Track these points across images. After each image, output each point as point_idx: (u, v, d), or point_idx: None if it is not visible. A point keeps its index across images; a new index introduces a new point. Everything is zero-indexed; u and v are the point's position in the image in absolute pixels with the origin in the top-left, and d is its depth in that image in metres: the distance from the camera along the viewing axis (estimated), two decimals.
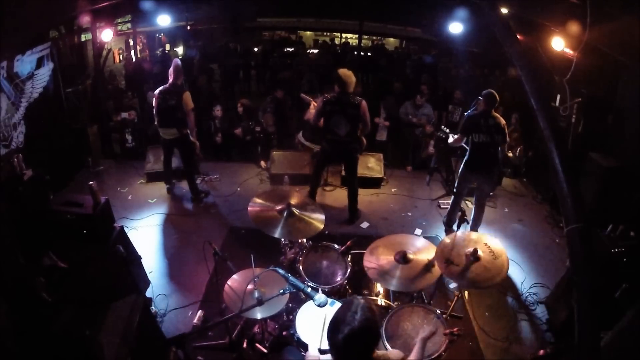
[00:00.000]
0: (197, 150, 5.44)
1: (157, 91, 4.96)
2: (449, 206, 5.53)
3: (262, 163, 6.38)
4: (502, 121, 4.42)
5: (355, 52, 10.66)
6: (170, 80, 4.89)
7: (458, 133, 4.66)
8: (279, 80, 7.82)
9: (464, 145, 4.75)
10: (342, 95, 4.50)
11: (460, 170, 4.76)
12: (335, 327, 1.63)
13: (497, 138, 4.37)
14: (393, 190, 6.07)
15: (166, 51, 10.71)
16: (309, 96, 5.77)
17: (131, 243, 3.87)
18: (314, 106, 5.43)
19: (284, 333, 3.09)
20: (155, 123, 5.08)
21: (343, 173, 5.67)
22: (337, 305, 2.79)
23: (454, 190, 4.90)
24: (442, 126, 5.44)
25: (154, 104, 4.99)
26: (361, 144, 4.83)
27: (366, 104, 4.55)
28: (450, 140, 4.81)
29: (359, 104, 4.49)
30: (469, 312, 3.87)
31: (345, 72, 4.46)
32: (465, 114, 5.03)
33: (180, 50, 11.06)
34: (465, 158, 4.63)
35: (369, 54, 11.87)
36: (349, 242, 3.38)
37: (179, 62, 4.99)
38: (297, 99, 7.19)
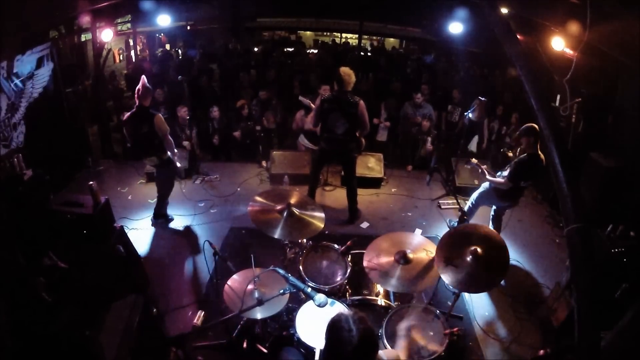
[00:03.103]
0: (178, 173, 5.24)
1: (125, 117, 4.52)
2: (449, 206, 5.54)
3: (263, 163, 6.38)
4: (544, 160, 3.94)
5: (356, 52, 10.65)
6: (137, 102, 4.37)
7: (507, 180, 4.11)
8: (265, 82, 7.78)
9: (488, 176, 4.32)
10: (340, 94, 4.49)
11: (487, 189, 4.43)
12: (337, 351, 1.62)
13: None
14: (393, 190, 6.08)
15: (167, 50, 10.69)
16: (308, 98, 5.77)
17: (131, 243, 3.87)
18: (302, 115, 5.46)
19: (284, 333, 3.09)
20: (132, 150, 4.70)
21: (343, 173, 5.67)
22: (338, 305, 2.79)
23: (473, 202, 4.60)
24: (473, 160, 4.89)
25: (125, 132, 4.64)
26: (359, 144, 4.81)
27: (364, 105, 4.54)
28: (489, 177, 4.31)
29: (357, 103, 4.48)
30: (469, 312, 3.87)
31: (345, 71, 4.46)
32: (516, 158, 4.30)
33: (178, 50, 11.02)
34: (502, 192, 4.26)
35: (368, 54, 11.87)
36: (349, 242, 3.38)
37: (146, 80, 4.39)
38: (288, 100, 7.19)
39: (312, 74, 8.05)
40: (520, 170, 4.05)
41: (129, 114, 4.48)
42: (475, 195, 4.61)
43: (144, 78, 4.41)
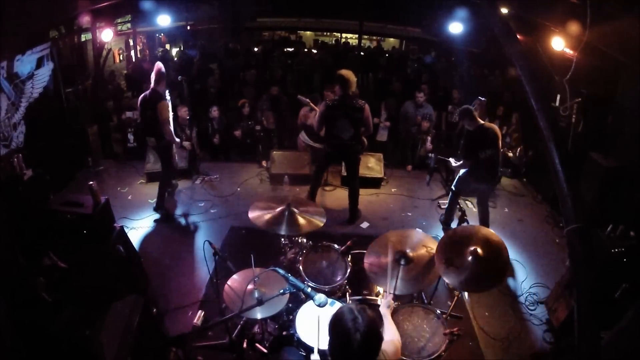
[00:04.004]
0: (174, 163, 5.34)
1: (140, 97, 4.73)
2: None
3: (263, 163, 6.38)
4: (497, 130, 4.42)
5: (356, 52, 10.65)
6: (151, 85, 4.57)
7: (462, 158, 4.61)
8: (273, 79, 7.80)
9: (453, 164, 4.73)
10: (345, 98, 4.47)
11: (462, 173, 4.72)
12: (345, 342, 1.60)
13: (500, 147, 4.39)
14: (393, 190, 6.07)
15: (167, 50, 10.69)
16: (309, 97, 5.76)
17: (131, 243, 3.87)
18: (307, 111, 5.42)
19: (284, 333, 3.09)
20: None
21: (344, 173, 5.66)
22: (338, 305, 2.79)
23: (453, 189, 4.85)
24: (431, 154, 5.50)
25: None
26: (363, 145, 4.84)
27: (369, 107, 4.56)
28: (455, 164, 4.74)
29: (362, 107, 4.48)
30: (469, 312, 3.87)
31: (347, 73, 4.44)
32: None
33: (174, 51, 10.99)
34: (473, 173, 4.58)
35: (369, 53, 11.86)
36: (349, 242, 3.38)
37: (162, 65, 4.63)
38: (291, 97, 7.18)
39: (316, 74, 8.06)
40: (469, 144, 4.46)
41: (143, 94, 4.69)
42: (455, 182, 4.89)
43: (159, 64, 4.64)
